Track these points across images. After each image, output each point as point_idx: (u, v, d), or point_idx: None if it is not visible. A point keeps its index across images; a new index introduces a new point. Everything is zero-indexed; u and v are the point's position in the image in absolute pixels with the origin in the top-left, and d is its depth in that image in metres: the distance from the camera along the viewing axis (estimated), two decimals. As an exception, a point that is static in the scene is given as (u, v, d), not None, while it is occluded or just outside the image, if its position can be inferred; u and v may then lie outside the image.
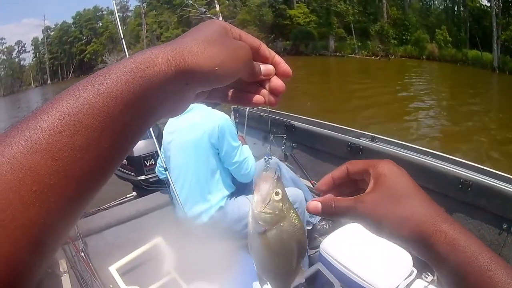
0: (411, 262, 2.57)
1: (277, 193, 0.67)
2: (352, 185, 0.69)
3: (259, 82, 0.60)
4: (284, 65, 0.61)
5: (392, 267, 2.50)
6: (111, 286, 2.89)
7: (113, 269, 2.97)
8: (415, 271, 2.59)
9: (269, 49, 0.60)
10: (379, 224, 0.59)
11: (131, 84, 0.41)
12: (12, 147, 0.35)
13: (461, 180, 2.89)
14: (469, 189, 2.85)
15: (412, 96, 17.43)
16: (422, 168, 3.17)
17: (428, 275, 2.79)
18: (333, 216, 0.64)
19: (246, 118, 4.96)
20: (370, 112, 14.12)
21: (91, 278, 2.83)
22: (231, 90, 0.60)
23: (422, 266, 2.80)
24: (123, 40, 3.40)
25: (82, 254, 3.01)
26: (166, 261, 3.10)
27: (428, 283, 2.59)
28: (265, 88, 0.60)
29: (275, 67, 0.60)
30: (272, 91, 0.59)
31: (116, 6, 3.56)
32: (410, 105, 15.66)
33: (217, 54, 0.49)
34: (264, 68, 0.59)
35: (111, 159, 0.41)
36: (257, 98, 0.59)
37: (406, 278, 2.52)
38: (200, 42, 0.49)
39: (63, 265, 3.14)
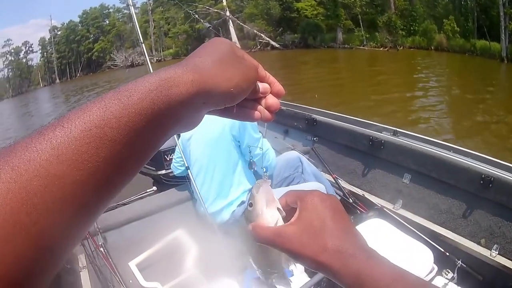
0: (432, 259, 2.55)
1: (250, 205, 0.73)
2: None
3: (255, 99, 0.64)
4: (278, 85, 0.65)
5: (412, 263, 2.48)
6: (131, 281, 2.90)
7: (132, 264, 2.98)
8: (436, 268, 2.56)
9: (265, 70, 0.64)
10: (293, 256, 0.64)
11: (155, 101, 0.43)
12: (39, 155, 0.36)
13: (483, 175, 2.84)
14: (490, 185, 2.81)
15: (422, 87, 17.23)
16: (443, 163, 3.16)
17: (449, 272, 2.78)
18: (262, 243, 0.69)
19: None
20: (381, 104, 14.00)
21: (110, 273, 2.85)
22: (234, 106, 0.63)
23: (443, 263, 2.80)
24: (142, 45, 3.43)
25: (102, 249, 3.02)
26: (186, 256, 3.12)
27: (448, 280, 2.58)
28: (260, 105, 0.64)
29: (270, 86, 0.65)
30: (268, 108, 0.64)
31: (123, 3, 3.59)
32: (420, 97, 15.50)
33: (233, 75, 0.53)
34: (262, 86, 0.63)
35: (129, 170, 0.44)
36: (256, 114, 0.63)
37: (426, 275, 2.50)
38: (218, 64, 0.53)
39: (82, 261, 3.16)
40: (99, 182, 0.39)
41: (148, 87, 0.43)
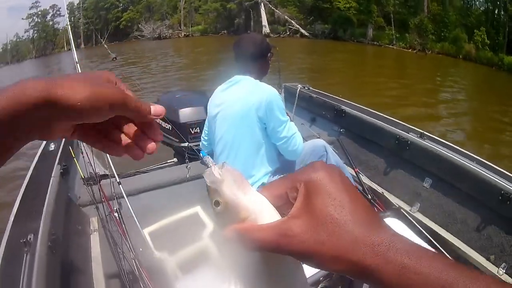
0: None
1: (216, 203, 0.54)
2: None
3: (142, 129, 0.64)
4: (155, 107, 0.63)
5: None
6: (141, 249, 2.89)
7: (145, 232, 2.98)
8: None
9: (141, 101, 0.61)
10: (306, 259, 0.48)
11: (5, 106, 0.48)
12: None
13: (502, 191, 2.80)
14: (508, 202, 2.77)
15: (445, 95, 17.07)
16: (465, 172, 3.12)
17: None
18: (258, 249, 0.50)
19: (296, 98, 4.80)
20: (402, 106, 13.87)
21: (121, 239, 2.80)
22: (96, 134, 0.64)
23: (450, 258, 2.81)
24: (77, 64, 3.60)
25: (116, 214, 3.00)
26: (199, 231, 3.12)
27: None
28: (146, 134, 0.64)
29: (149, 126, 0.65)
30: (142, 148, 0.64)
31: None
32: (442, 104, 15.35)
33: (82, 90, 0.53)
34: (154, 108, 0.62)
35: None
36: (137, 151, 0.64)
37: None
38: (72, 80, 0.54)
39: (94, 224, 3.19)
40: None
41: (3, 94, 0.48)
